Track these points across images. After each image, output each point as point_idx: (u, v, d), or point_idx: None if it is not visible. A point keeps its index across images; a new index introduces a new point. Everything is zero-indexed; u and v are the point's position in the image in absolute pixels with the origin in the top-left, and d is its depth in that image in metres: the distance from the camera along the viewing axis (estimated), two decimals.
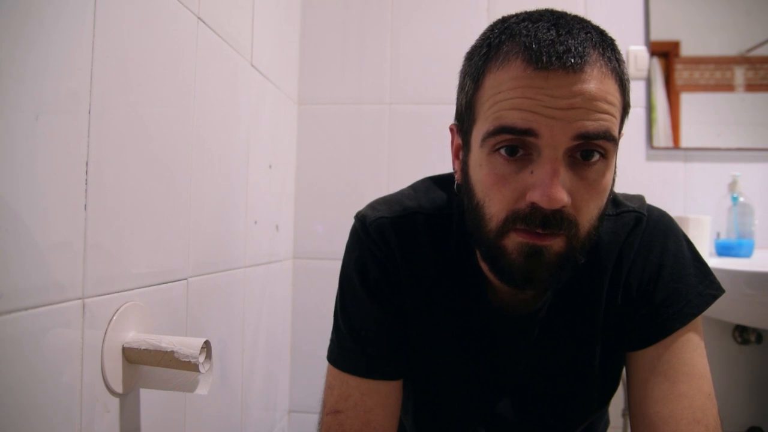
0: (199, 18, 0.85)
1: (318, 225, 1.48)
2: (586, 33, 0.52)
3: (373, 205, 0.71)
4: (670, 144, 1.40)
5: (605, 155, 0.53)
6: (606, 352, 0.68)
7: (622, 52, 0.56)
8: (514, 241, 0.54)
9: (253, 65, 1.11)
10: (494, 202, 0.54)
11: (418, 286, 0.67)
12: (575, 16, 0.55)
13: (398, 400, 0.68)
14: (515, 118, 0.51)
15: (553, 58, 0.49)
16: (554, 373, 0.68)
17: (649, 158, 1.41)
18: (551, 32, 0.51)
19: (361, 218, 0.70)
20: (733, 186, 1.32)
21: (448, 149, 0.67)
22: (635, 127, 1.41)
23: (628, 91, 0.56)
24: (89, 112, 0.59)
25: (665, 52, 1.41)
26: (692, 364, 0.61)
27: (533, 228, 0.52)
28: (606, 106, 0.50)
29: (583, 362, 0.68)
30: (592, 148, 0.51)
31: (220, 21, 0.93)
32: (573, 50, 0.49)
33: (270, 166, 1.25)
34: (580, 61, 0.49)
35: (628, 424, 1.30)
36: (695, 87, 1.41)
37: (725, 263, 1.12)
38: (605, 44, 0.53)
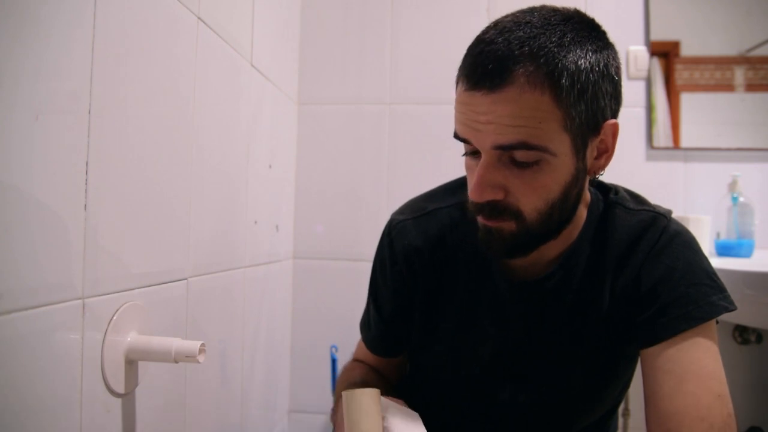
0: (199, 18, 0.85)
1: (318, 225, 1.48)
2: (521, 45, 0.57)
3: (401, 210, 0.82)
4: (670, 144, 1.40)
5: (535, 161, 0.59)
6: (610, 341, 0.70)
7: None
8: (479, 219, 0.65)
9: (253, 65, 1.11)
10: (468, 188, 0.65)
11: (439, 271, 0.76)
12: (529, 18, 0.59)
13: (397, 365, 0.86)
14: (458, 128, 0.62)
15: (475, 81, 0.58)
16: (556, 356, 0.71)
17: (649, 158, 1.41)
18: (485, 50, 0.58)
19: (390, 221, 0.81)
20: (733, 186, 1.32)
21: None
22: (635, 127, 1.41)
23: (582, 89, 0.58)
24: (89, 112, 0.59)
25: (665, 52, 1.41)
26: (701, 365, 0.62)
27: (479, 214, 0.64)
28: (523, 120, 0.57)
29: (585, 347, 0.71)
30: (514, 156, 0.59)
31: (220, 21, 0.93)
32: (494, 70, 0.57)
33: (270, 166, 1.25)
34: (498, 81, 0.57)
35: (628, 424, 1.31)
36: (695, 87, 1.41)
37: (725, 263, 1.12)
38: (540, 52, 0.56)
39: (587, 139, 0.61)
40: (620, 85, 0.64)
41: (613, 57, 0.62)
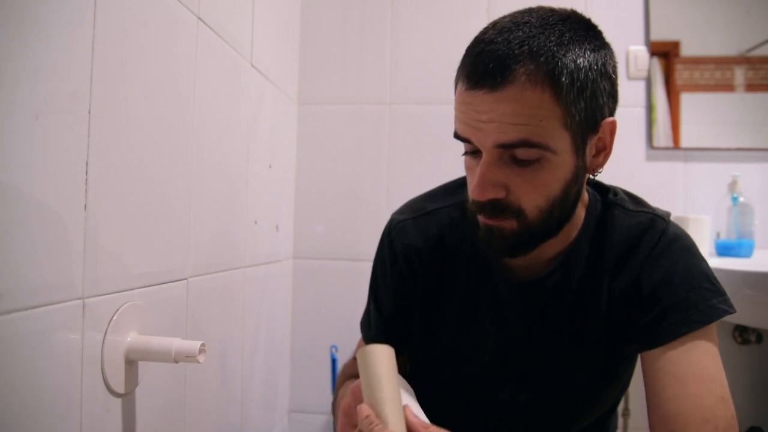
0: (199, 18, 0.85)
1: (318, 225, 1.48)
2: (521, 44, 0.57)
3: (401, 210, 0.82)
4: (670, 144, 1.40)
5: (536, 159, 0.59)
6: (609, 341, 0.70)
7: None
8: (480, 219, 0.65)
9: (253, 65, 1.11)
10: (469, 188, 0.65)
11: (439, 271, 0.76)
12: (527, 18, 0.60)
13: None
14: (458, 128, 0.63)
15: (476, 80, 0.58)
16: (556, 356, 0.72)
17: (649, 158, 1.41)
18: (485, 50, 0.58)
19: (390, 221, 0.82)
20: (733, 186, 1.32)
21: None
22: (635, 127, 1.41)
23: (581, 87, 0.58)
24: (89, 112, 0.59)
25: (665, 52, 1.40)
26: (702, 367, 0.62)
27: (480, 213, 0.64)
28: (524, 118, 0.57)
29: (585, 347, 0.71)
30: (515, 155, 0.59)
31: (220, 21, 0.93)
32: (495, 69, 0.57)
33: (270, 166, 1.25)
34: (500, 80, 0.57)
35: (628, 424, 1.31)
36: (695, 87, 1.41)
37: (725, 263, 1.12)
38: (540, 51, 0.57)
39: (586, 137, 0.62)
40: (617, 84, 0.64)
41: (610, 56, 0.63)
